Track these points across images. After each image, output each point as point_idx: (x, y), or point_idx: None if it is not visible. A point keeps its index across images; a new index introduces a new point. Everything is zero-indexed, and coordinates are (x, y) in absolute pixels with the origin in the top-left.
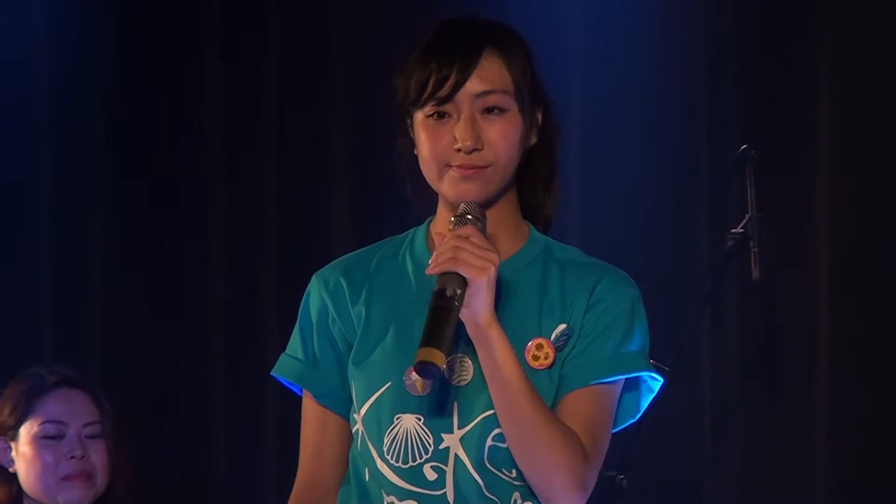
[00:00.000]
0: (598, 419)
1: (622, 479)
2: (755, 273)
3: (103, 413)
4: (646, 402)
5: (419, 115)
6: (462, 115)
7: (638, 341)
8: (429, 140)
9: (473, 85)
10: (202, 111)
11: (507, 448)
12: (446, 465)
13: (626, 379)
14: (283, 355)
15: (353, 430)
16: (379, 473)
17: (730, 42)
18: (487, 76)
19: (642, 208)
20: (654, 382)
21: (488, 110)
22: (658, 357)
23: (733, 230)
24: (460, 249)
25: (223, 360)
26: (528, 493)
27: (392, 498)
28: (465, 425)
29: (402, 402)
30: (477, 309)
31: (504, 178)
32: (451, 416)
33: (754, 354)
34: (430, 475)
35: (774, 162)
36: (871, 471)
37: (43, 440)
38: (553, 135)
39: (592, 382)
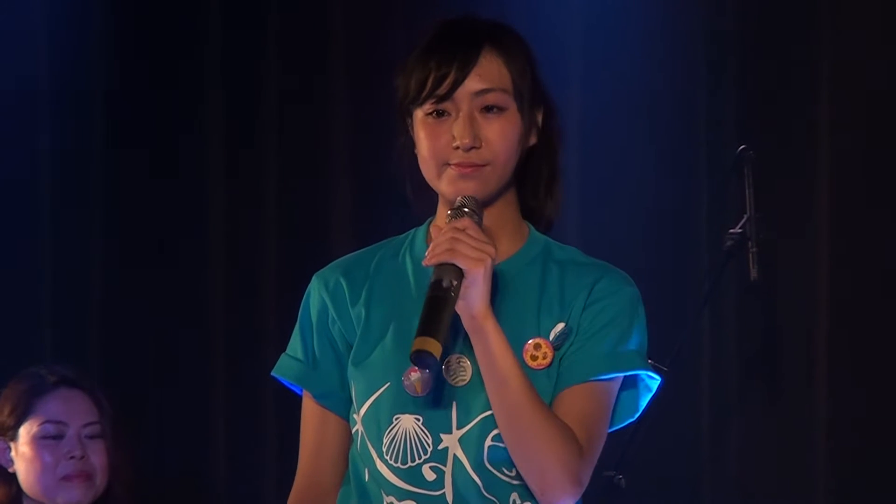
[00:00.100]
0: (594, 415)
1: (621, 478)
2: (754, 273)
3: (103, 413)
4: (644, 402)
5: (419, 114)
6: (461, 114)
7: (636, 340)
8: (428, 138)
9: (472, 83)
10: (202, 111)
11: (506, 448)
12: (445, 466)
13: (625, 378)
14: (283, 355)
15: (353, 430)
16: (378, 474)
17: (730, 42)
18: (486, 74)
19: (641, 208)
20: (652, 382)
21: (487, 109)
22: (657, 357)
23: (732, 230)
24: (457, 241)
25: (223, 360)
26: (527, 493)
27: (391, 498)
28: (464, 426)
29: (401, 402)
30: (473, 300)
31: (502, 177)
32: (450, 416)
33: (753, 354)
34: (429, 475)
35: (773, 162)
36: (871, 471)
37: (42, 440)
38: (555, 138)
39: (588, 379)
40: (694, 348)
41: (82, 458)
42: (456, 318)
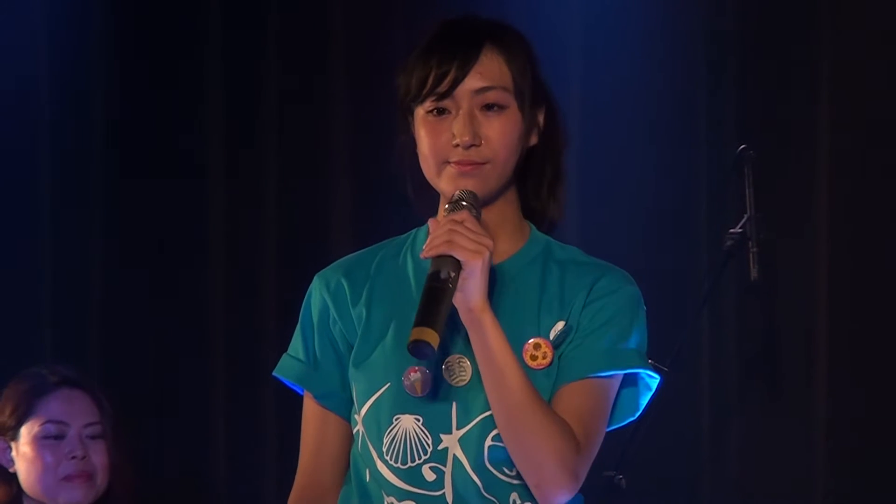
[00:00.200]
0: (592, 412)
1: (621, 478)
2: (754, 273)
3: (104, 413)
4: (644, 401)
5: (419, 112)
6: (461, 111)
7: (635, 339)
8: (428, 136)
9: (473, 81)
10: (202, 111)
11: (505, 446)
12: (445, 466)
13: (625, 377)
14: (284, 355)
15: (354, 430)
16: (379, 474)
17: (730, 42)
18: (487, 72)
19: (641, 208)
20: (652, 381)
21: (488, 107)
22: (657, 357)
23: (732, 230)
24: (455, 233)
25: (223, 360)
26: (527, 493)
27: (391, 499)
28: (464, 426)
29: (401, 402)
30: (470, 293)
31: (502, 175)
32: (450, 416)
33: (753, 354)
34: (429, 476)
35: (773, 162)
36: (871, 471)
37: (44, 440)
38: (558, 139)
39: (587, 376)
40: (694, 348)
41: (83, 458)
42: (457, 319)
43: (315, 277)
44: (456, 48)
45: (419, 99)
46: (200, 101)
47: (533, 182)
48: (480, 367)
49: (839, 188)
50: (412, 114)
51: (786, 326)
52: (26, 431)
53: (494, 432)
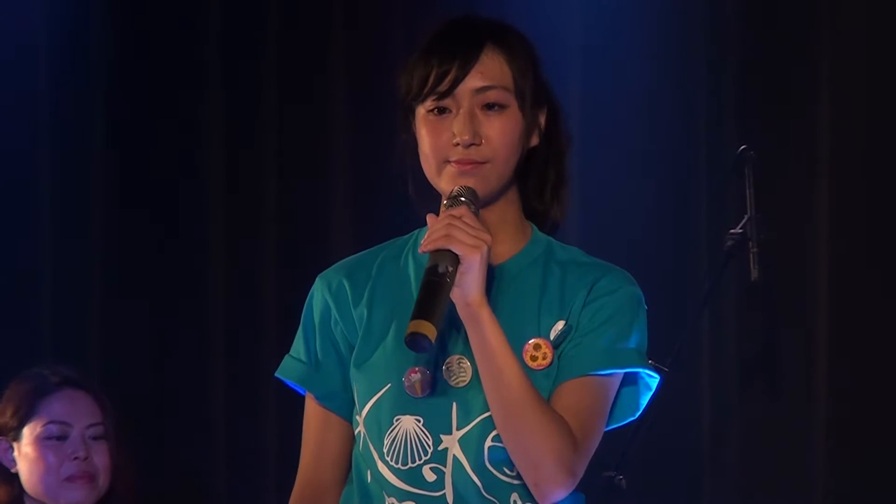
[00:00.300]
0: (590, 409)
1: (621, 479)
2: (754, 273)
3: (106, 414)
4: (644, 400)
5: (420, 111)
6: (461, 110)
7: (635, 339)
8: (429, 135)
9: (473, 80)
10: (202, 111)
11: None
12: (445, 467)
13: (625, 376)
14: (286, 356)
15: (356, 431)
16: (380, 475)
17: (730, 42)
18: (488, 72)
19: (641, 208)
20: (652, 380)
21: (488, 107)
22: (657, 357)
23: (732, 230)
24: (453, 227)
25: (223, 360)
26: (528, 493)
27: (392, 499)
28: (464, 426)
29: (401, 403)
30: (468, 288)
31: (503, 175)
32: (450, 417)
33: (753, 355)
34: (430, 476)
35: (773, 162)
36: (871, 471)
37: (47, 441)
38: (562, 140)
39: (585, 373)
40: (694, 348)
41: (86, 458)
42: (457, 320)
43: (317, 278)
44: (457, 47)
45: (420, 98)
46: (200, 101)
47: (535, 183)
48: (478, 363)
49: (839, 188)
50: (413, 113)
51: (786, 326)
52: (29, 432)
53: (494, 433)
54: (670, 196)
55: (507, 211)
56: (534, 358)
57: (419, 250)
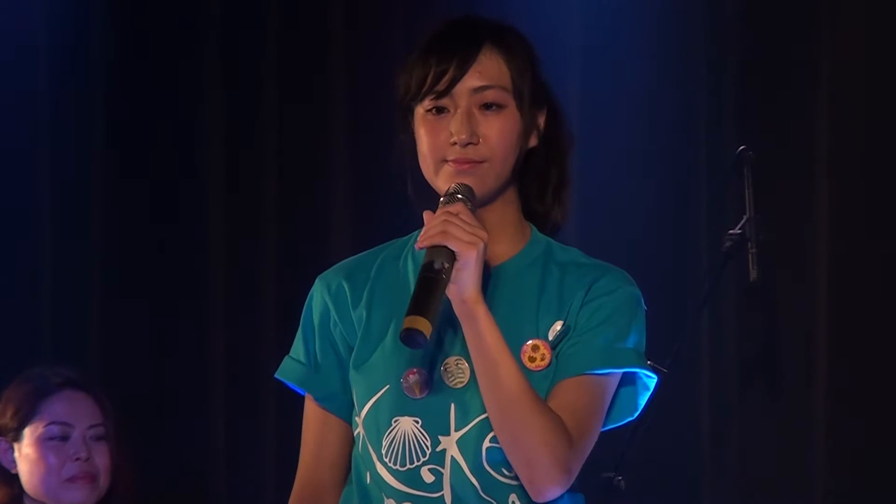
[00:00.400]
0: (587, 408)
1: (620, 479)
2: (753, 274)
3: (107, 415)
4: (643, 401)
5: (419, 111)
6: (459, 110)
7: (634, 339)
8: (427, 134)
9: (471, 80)
10: (202, 111)
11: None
12: (443, 468)
13: (623, 376)
14: (286, 357)
15: (355, 433)
16: (378, 476)
17: (730, 42)
18: (486, 71)
19: (641, 209)
20: (650, 381)
21: (486, 106)
22: (657, 358)
23: (731, 231)
24: (450, 224)
25: (223, 360)
26: (525, 494)
27: (391, 500)
28: (462, 428)
29: (400, 404)
30: (464, 284)
31: (500, 174)
32: (448, 418)
33: (753, 355)
34: (428, 478)
35: (773, 162)
36: (871, 471)
37: (48, 441)
38: (562, 142)
39: (582, 372)
40: (694, 348)
41: (87, 459)
42: (455, 321)
43: (316, 280)
44: (455, 47)
45: (418, 97)
46: (200, 101)
47: (536, 185)
48: (473, 360)
49: (839, 188)
50: (412, 113)
51: (785, 327)
52: (30, 433)
53: (492, 434)
54: (670, 196)
55: (505, 212)
56: (532, 359)
57: (416, 247)
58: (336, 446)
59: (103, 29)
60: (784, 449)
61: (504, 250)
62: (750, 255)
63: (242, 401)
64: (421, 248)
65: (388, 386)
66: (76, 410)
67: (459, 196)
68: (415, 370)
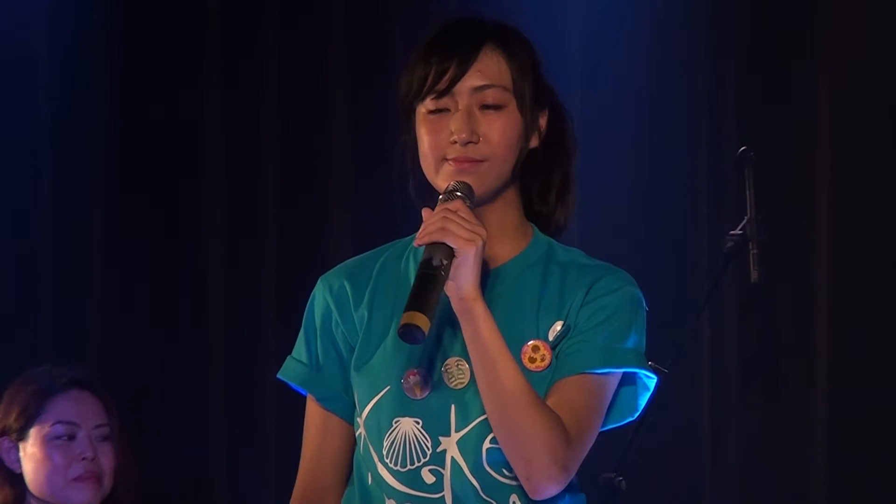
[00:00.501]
0: (586, 406)
1: (621, 480)
2: (754, 275)
3: (111, 416)
4: (643, 401)
5: (420, 111)
6: (459, 109)
7: (634, 339)
8: (428, 133)
9: (472, 79)
10: (202, 111)
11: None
12: (443, 469)
13: (624, 376)
14: (288, 358)
15: (357, 433)
16: (380, 477)
17: (730, 42)
18: (486, 70)
19: (642, 209)
20: (650, 381)
21: (486, 106)
22: (657, 358)
23: (732, 232)
24: (448, 220)
25: (223, 360)
26: (526, 495)
27: (392, 501)
28: (462, 428)
29: (400, 405)
30: (463, 281)
31: (501, 174)
32: (449, 419)
33: (753, 356)
34: (428, 479)
35: (773, 163)
36: (871, 471)
37: (54, 441)
38: (566, 144)
39: (582, 371)
40: (694, 349)
41: (93, 459)
42: (455, 322)
43: (318, 280)
44: (456, 47)
45: (419, 97)
46: (200, 101)
47: (539, 187)
48: (471, 357)
49: (839, 189)
50: (414, 113)
51: (786, 328)
52: (36, 432)
53: (492, 435)
54: (671, 197)
55: (507, 212)
56: (532, 360)
57: (415, 244)
58: (337, 447)
59: (104, 29)
60: (784, 449)
61: (505, 251)
62: (751, 256)
63: (242, 401)
64: (420, 245)
65: (388, 387)
66: (82, 410)
67: (458, 194)
68: (415, 371)
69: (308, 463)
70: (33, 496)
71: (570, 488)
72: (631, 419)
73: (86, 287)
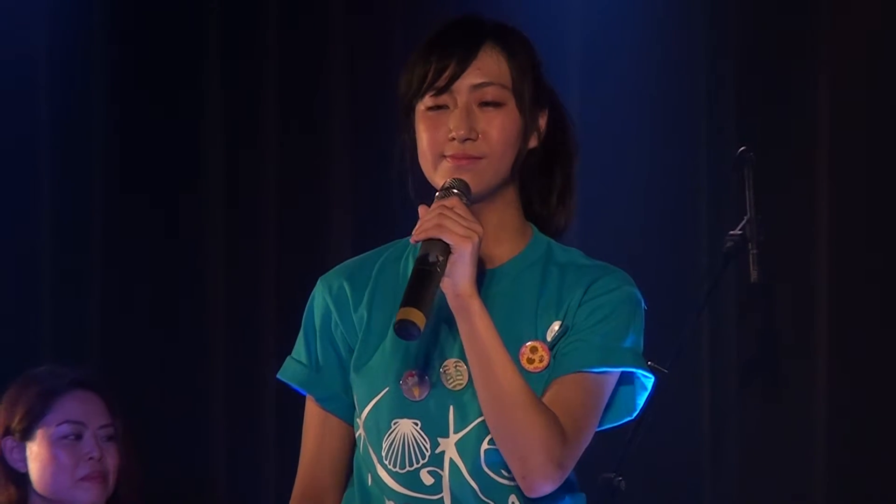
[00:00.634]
0: (582, 405)
1: (620, 480)
2: (754, 275)
3: (116, 416)
4: (641, 401)
5: (420, 108)
6: (458, 106)
7: (631, 338)
8: (426, 131)
9: (471, 76)
10: (202, 111)
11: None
12: (442, 470)
13: (622, 376)
14: (288, 358)
15: (357, 434)
16: (379, 478)
17: (730, 42)
18: (486, 68)
19: (641, 209)
20: (648, 381)
21: (485, 103)
22: (657, 358)
23: (732, 232)
24: (445, 217)
25: (223, 361)
26: (525, 496)
27: (392, 503)
28: (461, 430)
29: (399, 407)
30: (459, 278)
31: (498, 172)
32: (447, 420)
33: (753, 356)
34: (427, 480)
35: (773, 163)
36: (871, 471)
37: (61, 441)
38: (568, 145)
39: (578, 370)
40: (694, 348)
41: (100, 459)
42: (453, 324)
43: (318, 281)
44: (456, 45)
45: (419, 94)
46: (200, 101)
47: (540, 189)
48: (468, 354)
49: (839, 189)
50: (413, 111)
51: (786, 328)
52: (42, 432)
53: (491, 436)
54: (671, 197)
55: (505, 212)
56: (530, 361)
57: (411, 240)
58: (336, 447)
59: (104, 29)
60: (784, 449)
61: (504, 251)
62: (750, 256)
63: (242, 401)
64: (416, 242)
65: (387, 388)
66: (88, 410)
67: (455, 191)
68: (414, 372)
69: (307, 463)
70: (38, 496)
71: (569, 488)
72: (629, 419)
73: (86, 287)
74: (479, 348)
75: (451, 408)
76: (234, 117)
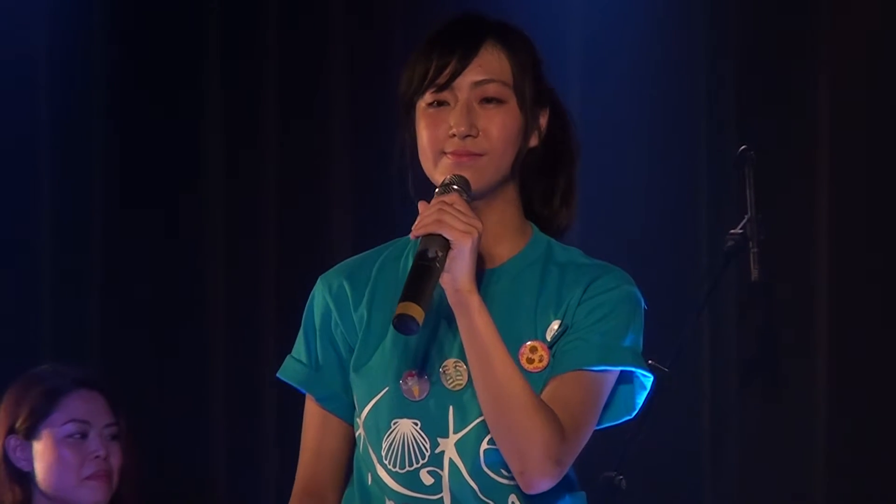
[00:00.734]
0: (581, 402)
1: (621, 479)
2: (755, 274)
3: (119, 415)
4: (640, 400)
5: (420, 105)
6: (459, 103)
7: (631, 337)
8: (427, 127)
9: (472, 73)
10: (202, 111)
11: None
12: (442, 470)
13: (621, 375)
14: (288, 357)
15: (357, 434)
16: (379, 478)
17: (730, 42)
18: (486, 65)
19: (642, 209)
20: (647, 380)
21: (486, 100)
22: (657, 358)
23: (732, 231)
24: (444, 213)
25: (223, 361)
26: (525, 496)
27: (392, 502)
28: (461, 430)
29: (399, 406)
30: (458, 273)
31: (498, 169)
32: (447, 420)
33: (753, 355)
34: (427, 480)
35: (774, 162)
36: (871, 471)
37: (67, 439)
38: (569, 146)
39: (577, 368)
40: (694, 348)
41: (105, 458)
42: (453, 323)
43: (318, 280)
44: (457, 42)
45: (419, 91)
46: (200, 101)
47: (543, 190)
48: (466, 351)
49: (839, 188)
50: (414, 108)
51: (786, 327)
52: (47, 431)
53: (490, 436)
54: (671, 196)
55: (506, 211)
56: (530, 360)
57: (411, 236)
58: (336, 446)
59: (104, 29)
60: (784, 449)
61: (504, 250)
62: (751, 255)
63: (242, 401)
64: (416, 237)
65: (387, 388)
66: (92, 409)
67: (455, 187)
68: (413, 372)
69: (307, 462)
70: (43, 495)
71: (569, 487)
72: (628, 417)
73: (86, 287)
74: (478, 344)
75: (451, 408)
76: (234, 117)
